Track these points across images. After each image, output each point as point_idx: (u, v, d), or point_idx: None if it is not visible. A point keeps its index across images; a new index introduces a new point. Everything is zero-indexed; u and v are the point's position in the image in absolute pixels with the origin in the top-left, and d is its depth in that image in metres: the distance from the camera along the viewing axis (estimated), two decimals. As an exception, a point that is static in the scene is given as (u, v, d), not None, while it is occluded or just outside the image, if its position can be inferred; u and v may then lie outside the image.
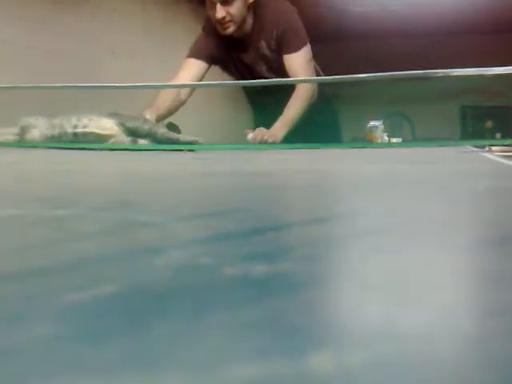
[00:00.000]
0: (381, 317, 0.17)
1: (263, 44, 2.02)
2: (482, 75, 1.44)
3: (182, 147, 1.57)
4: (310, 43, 2.09)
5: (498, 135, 5.28)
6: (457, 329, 0.16)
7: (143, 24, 3.78)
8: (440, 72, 1.38)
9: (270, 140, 1.85)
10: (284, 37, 1.98)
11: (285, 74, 1.97)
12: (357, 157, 1.37)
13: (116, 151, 1.50)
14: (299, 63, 1.99)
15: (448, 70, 1.37)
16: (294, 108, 1.95)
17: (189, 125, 2.05)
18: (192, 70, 2.04)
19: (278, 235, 0.31)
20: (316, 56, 2.14)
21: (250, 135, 1.90)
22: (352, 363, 0.13)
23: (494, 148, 1.63)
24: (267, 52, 2.03)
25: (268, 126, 1.93)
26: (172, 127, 1.74)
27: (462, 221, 0.37)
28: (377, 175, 0.78)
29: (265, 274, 0.22)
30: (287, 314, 0.17)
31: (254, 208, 0.44)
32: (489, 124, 5.96)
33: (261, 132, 1.88)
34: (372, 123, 2.76)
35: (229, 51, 2.07)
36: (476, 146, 1.67)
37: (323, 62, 2.27)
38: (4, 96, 2.14)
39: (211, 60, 2.07)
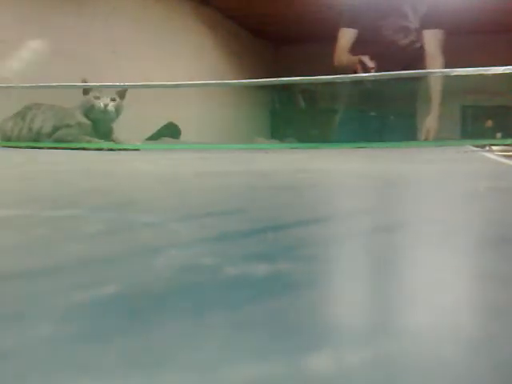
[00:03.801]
0: (380, 316, 0.17)
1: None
2: (482, 75, 1.44)
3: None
4: (313, 43, 2.12)
5: (499, 135, 5.27)
6: (458, 328, 0.16)
7: (144, 23, 3.77)
8: (440, 72, 1.38)
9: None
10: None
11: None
12: (357, 156, 1.36)
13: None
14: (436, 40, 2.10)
15: (448, 70, 1.37)
16: (436, 96, 2.08)
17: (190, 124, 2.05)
18: None
19: (278, 235, 0.31)
20: (319, 55, 2.15)
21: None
22: (351, 363, 0.13)
23: (494, 147, 1.63)
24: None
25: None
26: (172, 127, 1.74)
27: (463, 221, 0.37)
28: (377, 175, 0.78)
29: (265, 274, 0.22)
30: (287, 314, 0.17)
31: (257, 208, 0.44)
32: (489, 123, 5.96)
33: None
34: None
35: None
36: (476, 146, 1.67)
37: (326, 61, 2.28)
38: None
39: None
